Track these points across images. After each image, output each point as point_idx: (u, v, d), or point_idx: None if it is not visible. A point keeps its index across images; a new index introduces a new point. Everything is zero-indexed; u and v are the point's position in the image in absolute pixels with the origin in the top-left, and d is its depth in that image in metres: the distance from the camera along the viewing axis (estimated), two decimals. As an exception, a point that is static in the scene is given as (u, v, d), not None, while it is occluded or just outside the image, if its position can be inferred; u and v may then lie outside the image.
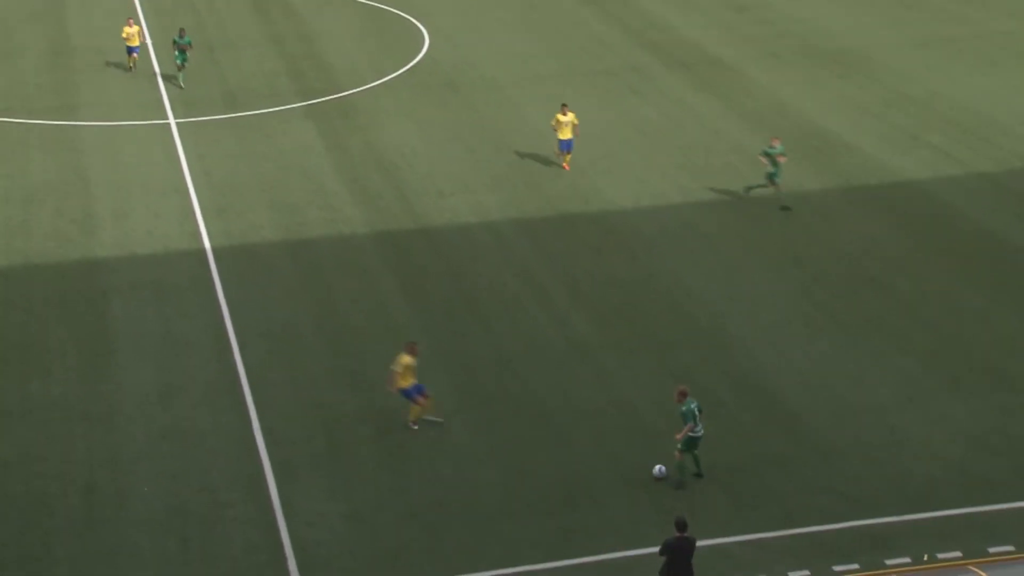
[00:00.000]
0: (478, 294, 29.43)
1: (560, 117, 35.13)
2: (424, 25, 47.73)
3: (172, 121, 38.98)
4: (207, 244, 31.46)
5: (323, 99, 41.00)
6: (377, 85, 42.27)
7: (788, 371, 26.22)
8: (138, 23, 45.80)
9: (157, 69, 43.28)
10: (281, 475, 22.92)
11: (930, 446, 23.71)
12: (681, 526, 19.35)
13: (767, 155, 33.43)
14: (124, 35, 43.02)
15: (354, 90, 41.75)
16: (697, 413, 22.56)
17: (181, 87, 41.43)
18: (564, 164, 35.52)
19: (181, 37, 41.74)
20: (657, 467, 22.86)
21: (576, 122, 35.33)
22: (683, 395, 22.68)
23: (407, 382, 23.93)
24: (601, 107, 40.46)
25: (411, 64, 44.20)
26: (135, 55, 43.23)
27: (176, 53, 41.78)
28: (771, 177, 33.43)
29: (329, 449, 23.79)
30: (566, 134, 35.19)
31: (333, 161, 36.36)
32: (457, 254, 31.31)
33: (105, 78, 42.53)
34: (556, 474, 23.11)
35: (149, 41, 45.86)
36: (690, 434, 22.52)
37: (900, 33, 47.57)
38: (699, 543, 19.61)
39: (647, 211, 33.54)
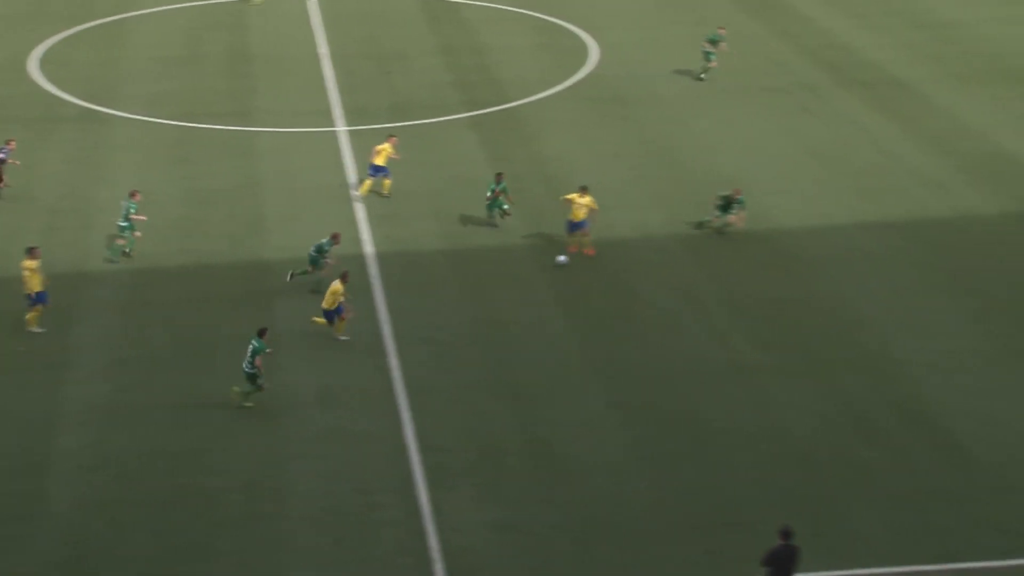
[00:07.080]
0: (637, 309, 29.13)
1: (576, 198, 31.14)
2: (595, 40, 47.66)
3: (341, 129, 39.81)
4: (370, 250, 31.98)
5: (489, 110, 41.31)
6: (544, 97, 42.38)
7: (958, 401, 25.17)
8: (393, 137, 35.23)
9: (329, 77, 44.26)
10: (433, 481, 23.05)
11: (1111, 488, 22.44)
12: (786, 535, 19.05)
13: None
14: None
15: (520, 101, 41.95)
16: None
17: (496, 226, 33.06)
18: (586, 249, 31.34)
19: (498, 183, 33.05)
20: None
21: (595, 206, 31.27)
22: (261, 333, 25.15)
23: (330, 305, 27.18)
24: (773, 126, 39.68)
25: (579, 77, 44.19)
26: (384, 179, 34.25)
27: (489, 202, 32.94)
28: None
29: (481, 457, 23.83)
30: (580, 215, 31.12)
31: (496, 171, 36.51)
32: (617, 268, 31.06)
33: (280, 86, 43.69)
34: (709, 495, 22.67)
35: (325, 51, 46.95)
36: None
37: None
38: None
39: (816, 232, 32.70)
